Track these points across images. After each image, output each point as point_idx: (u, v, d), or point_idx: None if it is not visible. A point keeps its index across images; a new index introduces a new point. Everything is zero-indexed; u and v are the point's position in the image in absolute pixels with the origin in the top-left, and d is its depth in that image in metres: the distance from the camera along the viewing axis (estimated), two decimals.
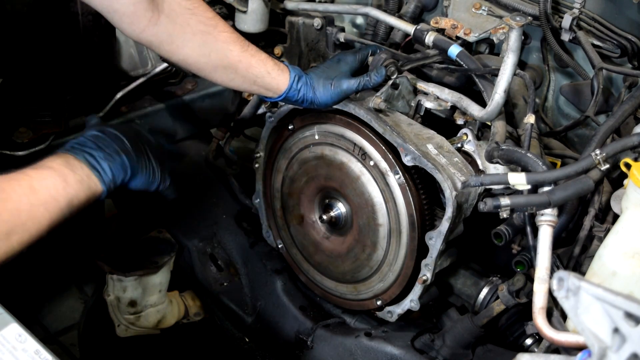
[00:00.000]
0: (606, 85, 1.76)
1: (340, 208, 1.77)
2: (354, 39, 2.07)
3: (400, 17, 1.96)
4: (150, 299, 2.06)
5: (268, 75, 1.66)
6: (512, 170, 1.55)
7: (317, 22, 2.09)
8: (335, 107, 1.69)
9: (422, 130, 1.69)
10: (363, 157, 1.67)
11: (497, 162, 1.56)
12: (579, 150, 1.83)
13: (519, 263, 1.57)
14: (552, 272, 1.34)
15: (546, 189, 1.39)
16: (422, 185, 1.63)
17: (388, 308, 1.74)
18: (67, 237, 2.23)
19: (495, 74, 1.62)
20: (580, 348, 1.14)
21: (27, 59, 1.70)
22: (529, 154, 1.46)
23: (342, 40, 2.09)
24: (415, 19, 2.00)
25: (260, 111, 2.07)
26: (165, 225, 2.15)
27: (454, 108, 1.74)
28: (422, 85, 1.77)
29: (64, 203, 1.29)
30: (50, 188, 1.28)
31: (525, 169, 1.46)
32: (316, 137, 1.76)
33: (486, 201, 1.38)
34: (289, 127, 1.82)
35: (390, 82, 1.71)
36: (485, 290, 1.70)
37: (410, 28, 1.83)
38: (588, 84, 1.76)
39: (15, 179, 1.25)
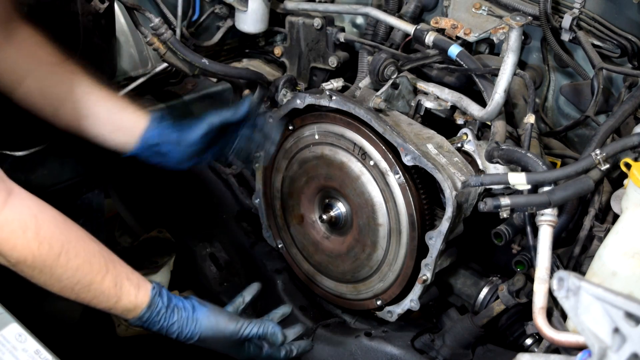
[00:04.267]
0: (606, 85, 1.76)
1: (340, 208, 1.77)
2: (354, 39, 2.08)
3: (400, 17, 1.96)
4: None
5: (126, 116, 1.59)
6: (512, 170, 1.55)
7: (317, 22, 2.10)
8: (335, 106, 1.69)
9: (422, 130, 1.69)
10: (363, 156, 1.67)
11: (497, 162, 1.56)
12: (579, 150, 1.83)
13: (519, 263, 1.57)
14: (552, 272, 1.34)
15: (546, 189, 1.39)
16: (422, 185, 1.63)
17: (388, 308, 1.74)
18: None
19: (495, 74, 1.62)
20: (580, 348, 1.14)
21: None
22: (529, 154, 1.46)
23: (342, 40, 2.09)
24: (415, 19, 2.00)
25: (260, 111, 2.07)
26: (166, 225, 2.15)
27: (454, 108, 1.74)
28: (422, 85, 1.77)
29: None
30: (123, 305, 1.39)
31: (525, 169, 1.46)
32: (316, 136, 1.76)
33: (486, 201, 1.38)
34: (289, 127, 1.82)
35: (390, 82, 1.71)
36: (485, 290, 1.70)
37: (410, 28, 1.83)
38: (588, 84, 1.76)
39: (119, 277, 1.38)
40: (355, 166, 1.69)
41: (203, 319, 1.48)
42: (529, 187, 1.41)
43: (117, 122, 1.60)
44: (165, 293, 1.46)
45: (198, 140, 1.64)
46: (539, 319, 1.29)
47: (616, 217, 1.39)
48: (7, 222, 1.24)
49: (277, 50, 2.25)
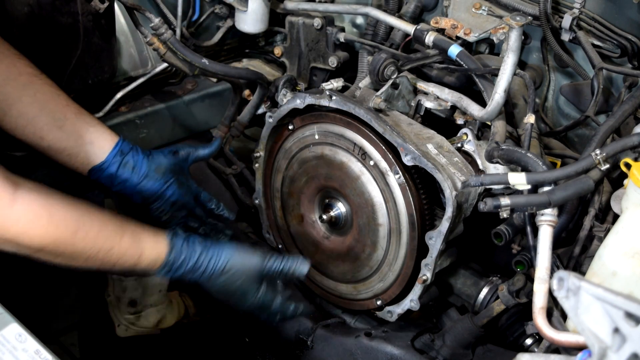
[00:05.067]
0: (606, 85, 1.76)
1: (340, 208, 1.77)
2: (354, 39, 2.08)
3: (400, 17, 1.96)
4: (150, 299, 2.06)
5: (97, 133, 1.63)
6: (512, 170, 1.55)
7: (317, 22, 2.10)
8: (335, 106, 1.69)
9: (422, 130, 1.69)
10: (363, 156, 1.67)
11: (497, 162, 1.56)
12: (579, 150, 1.83)
13: (519, 263, 1.57)
14: (552, 272, 1.34)
15: (546, 188, 1.39)
16: (422, 185, 1.63)
17: (388, 308, 1.74)
18: None
19: (495, 73, 1.62)
20: (580, 348, 1.14)
21: (28, 59, 1.70)
22: (529, 154, 1.46)
23: (342, 40, 2.09)
24: (415, 19, 2.00)
25: (260, 111, 2.07)
26: (165, 225, 2.15)
27: (454, 108, 1.74)
28: (422, 85, 1.77)
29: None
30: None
31: (525, 169, 1.46)
32: (316, 136, 1.76)
33: (486, 201, 1.38)
34: (289, 127, 1.82)
35: (390, 82, 1.71)
36: (485, 290, 1.70)
37: (410, 28, 1.83)
38: (588, 84, 1.76)
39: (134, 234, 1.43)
40: (355, 166, 1.69)
41: (227, 246, 1.52)
42: (529, 187, 1.41)
43: (92, 135, 1.64)
44: (181, 232, 1.51)
45: (165, 158, 1.72)
46: (539, 319, 1.29)
47: (616, 217, 1.39)
48: (20, 215, 1.27)
49: (277, 50, 2.25)
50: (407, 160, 1.57)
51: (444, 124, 1.76)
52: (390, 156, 1.62)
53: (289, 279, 1.60)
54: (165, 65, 2.13)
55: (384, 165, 1.64)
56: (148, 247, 1.45)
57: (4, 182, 1.26)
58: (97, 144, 1.65)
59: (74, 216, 1.35)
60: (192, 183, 1.82)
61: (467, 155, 1.66)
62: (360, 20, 2.23)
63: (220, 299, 1.57)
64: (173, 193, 1.75)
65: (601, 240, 1.39)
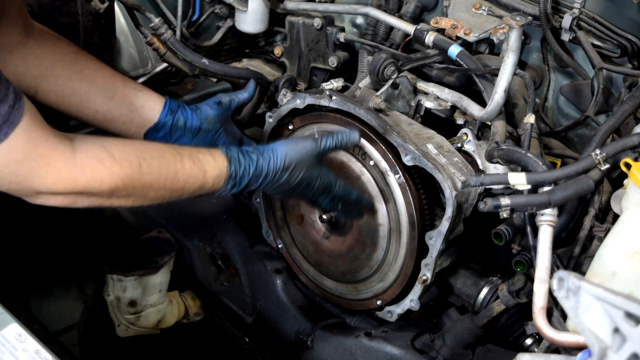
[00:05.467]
0: (606, 85, 1.76)
1: None
2: (354, 39, 2.08)
3: (400, 17, 1.96)
4: (150, 299, 2.06)
5: (145, 97, 1.68)
6: (512, 170, 1.55)
7: (317, 22, 2.10)
8: (335, 106, 1.69)
9: (422, 130, 1.69)
10: (363, 156, 1.67)
11: (497, 162, 1.56)
12: (579, 150, 1.83)
13: (519, 263, 1.57)
14: (552, 272, 1.33)
15: (546, 188, 1.39)
16: (422, 185, 1.63)
17: (388, 308, 1.74)
18: (68, 237, 2.23)
19: (495, 73, 1.62)
20: (581, 348, 1.14)
21: None
22: (529, 154, 1.46)
23: (342, 40, 2.09)
24: (415, 19, 2.00)
25: (260, 111, 2.07)
26: (165, 225, 2.15)
27: (454, 108, 1.74)
28: (422, 85, 1.77)
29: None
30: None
31: (525, 169, 1.46)
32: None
33: (486, 201, 1.38)
34: (289, 127, 1.82)
35: (390, 82, 1.71)
36: (485, 290, 1.70)
37: (410, 28, 1.83)
38: (588, 84, 1.76)
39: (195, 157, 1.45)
40: (355, 166, 1.69)
41: (278, 144, 1.55)
42: (529, 187, 1.41)
43: (142, 99, 1.68)
44: (232, 147, 1.54)
45: (212, 109, 1.75)
46: (539, 319, 1.29)
47: (616, 217, 1.39)
48: (85, 163, 1.29)
49: (277, 50, 2.25)
50: (407, 160, 1.57)
51: (444, 124, 1.76)
52: (390, 156, 1.62)
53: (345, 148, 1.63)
54: (165, 65, 2.13)
55: (384, 165, 1.64)
56: (209, 165, 1.47)
57: (60, 137, 1.28)
58: (147, 106, 1.68)
59: (132, 151, 1.36)
60: (236, 129, 1.85)
61: (467, 155, 1.66)
62: (360, 20, 2.23)
63: (286, 195, 1.61)
64: (224, 142, 1.78)
65: (601, 240, 1.39)
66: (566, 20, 1.71)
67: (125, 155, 1.34)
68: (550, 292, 1.29)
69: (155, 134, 1.70)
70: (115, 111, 1.65)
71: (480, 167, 1.64)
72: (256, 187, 1.55)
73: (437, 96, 1.75)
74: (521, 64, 1.90)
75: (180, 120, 1.71)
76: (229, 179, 1.49)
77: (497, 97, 1.59)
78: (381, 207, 1.66)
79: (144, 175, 1.36)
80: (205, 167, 1.46)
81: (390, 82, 1.72)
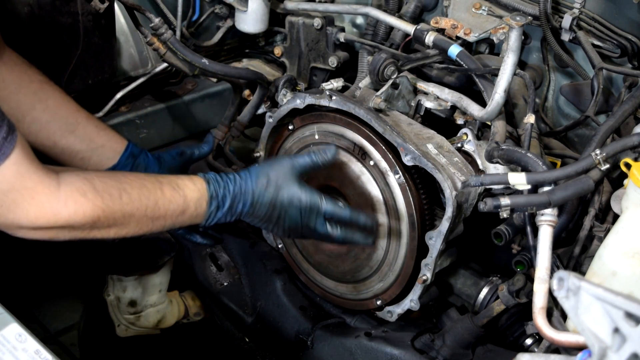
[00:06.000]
0: (606, 85, 1.76)
1: None
2: (354, 39, 2.08)
3: (400, 17, 1.96)
4: (150, 299, 2.06)
5: (107, 136, 1.66)
6: (512, 170, 1.55)
7: (317, 22, 2.10)
8: (335, 106, 1.69)
9: (422, 130, 1.69)
10: (363, 156, 1.67)
11: (497, 162, 1.56)
12: (579, 150, 1.83)
13: (519, 263, 1.57)
14: (552, 272, 1.33)
15: (546, 188, 1.39)
16: (422, 185, 1.63)
17: (388, 308, 1.74)
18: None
19: (495, 73, 1.62)
20: (581, 348, 1.14)
21: (28, 59, 1.70)
22: (529, 154, 1.46)
23: (342, 40, 2.09)
24: (415, 19, 2.00)
25: (260, 111, 2.07)
26: None
27: (454, 108, 1.74)
28: (422, 85, 1.77)
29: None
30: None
31: (525, 169, 1.46)
32: (316, 136, 1.76)
33: (486, 201, 1.38)
34: (289, 127, 1.82)
35: (390, 82, 1.71)
36: (485, 290, 1.70)
37: (410, 28, 1.83)
38: (588, 84, 1.76)
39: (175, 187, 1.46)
40: (355, 166, 1.69)
41: (255, 168, 1.55)
42: (529, 187, 1.41)
43: (103, 139, 1.67)
44: (210, 174, 1.54)
45: (174, 160, 1.76)
46: (539, 319, 1.29)
47: (616, 217, 1.39)
48: (68, 196, 1.29)
49: (277, 50, 2.26)
50: (407, 160, 1.57)
51: (444, 124, 1.76)
52: (390, 156, 1.62)
53: (320, 167, 1.60)
54: (165, 65, 2.13)
55: (384, 165, 1.64)
56: (188, 189, 1.47)
57: (47, 171, 1.29)
58: (108, 146, 1.67)
59: (114, 182, 1.37)
60: None
61: (467, 155, 1.66)
62: (360, 20, 2.23)
63: (279, 226, 1.57)
64: None
65: (601, 240, 1.39)
66: (566, 20, 1.71)
67: (106, 186, 1.35)
68: (550, 292, 1.29)
69: (117, 163, 1.67)
70: (74, 146, 1.63)
71: (480, 167, 1.64)
72: (242, 211, 1.54)
73: (437, 96, 1.75)
74: (521, 64, 1.90)
75: (140, 167, 1.70)
76: (211, 200, 1.49)
77: (497, 97, 1.59)
78: (381, 207, 1.66)
79: (124, 206, 1.36)
80: (185, 192, 1.46)
81: (390, 82, 1.72)
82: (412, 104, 1.77)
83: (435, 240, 1.57)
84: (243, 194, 1.52)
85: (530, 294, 1.43)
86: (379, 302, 1.76)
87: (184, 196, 1.46)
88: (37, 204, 1.26)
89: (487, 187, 1.57)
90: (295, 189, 1.53)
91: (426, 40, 1.76)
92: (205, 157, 1.94)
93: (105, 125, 1.72)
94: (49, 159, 1.62)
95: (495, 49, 1.92)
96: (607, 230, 1.39)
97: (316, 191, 1.56)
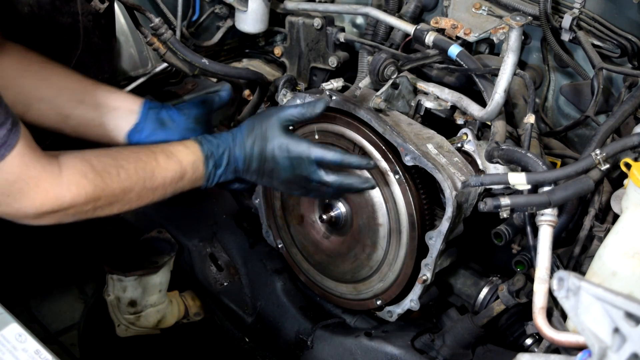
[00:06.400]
0: (606, 85, 1.76)
1: (340, 208, 1.76)
2: (354, 39, 2.08)
3: (400, 17, 1.96)
4: (150, 299, 2.06)
5: (120, 98, 1.64)
6: (512, 170, 1.55)
7: (317, 22, 2.10)
8: (335, 106, 1.69)
9: (422, 130, 1.69)
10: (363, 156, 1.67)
11: (497, 162, 1.56)
12: (579, 150, 1.83)
13: (519, 263, 1.57)
14: (552, 272, 1.33)
15: (546, 188, 1.39)
16: (422, 185, 1.63)
17: (388, 308, 1.74)
18: (68, 237, 2.23)
19: (495, 73, 1.62)
20: (581, 348, 1.14)
21: None
22: (529, 154, 1.46)
23: (342, 40, 2.09)
24: (415, 19, 2.00)
25: (260, 111, 2.07)
26: (165, 225, 2.15)
27: (454, 108, 1.74)
28: (422, 85, 1.77)
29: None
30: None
31: (525, 169, 1.46)
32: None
33: (486, 201, 1.38)
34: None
35: (390, 82, 1.71)
36: (485, 290, 1.70)
37: (410, 28, 1.83)
38: (588, 84, 1.76)
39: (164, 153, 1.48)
40: None
41: (244, 123, 1.57)
42: (529, 187, 1.41)
43: (116, 101, 1.65)
44: (202, 136, 1.55)
45: (197, 109, 1.72)
46: (539, 319, 1.29)
47: (616, 217, 1.39)
48: (70, 180, 1.32)
49: (277, 50, 2.25)
50: (407, 160, 1.57)
51: (444, 124, 1.76)
52: (390, 156, 1.62)
53: (308, 119, 1.59)
54: (165, 65, 2.13)
55: (384, 165, 1.64)
56: (181, 153, 1.49)
57: (49, 157, 1.31)
58: (123, 108, 1.65)
59: (110, 160, 1.39)
60: (212, 130, 1.82)
61: (467, 155, 1.66)
62: (360, 20, 2.23)
63: (276, 178, 1.57)
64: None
65: (601, 240, 1.39)
66: (566, 20, 1.71)
67: (104, 165, 1.37)
68: (550, 292, 1.29)
69: (138, 135, 1.65)
70: (87, 114, 1.61)
71: (480, 167, 1.64)
72: (238, 167, 1.54)
73: (437, 96, 1.75)
74: (521, 64, 1.90)
75: (165, 120, 1.67)
76: (207, 160, 1.51)
77: (497, 97, 1.59)
78: (381, 207, 1.66)
79: (123, 182, 1.39)
80: (179, 157, 1.48)
81: (390, 82, 1.72)
82: (412, 104, 1.77)
83: (435, 240, 1.57)
84: (235, 149, 1.54)
85: (530, 294, 1.43)
86: (379, 302, 1.76)
87: (180, 161, 1.48)
88: (42, 191, 1.28)
89: (487, 187, 1.57)
90: (282, 138, 1.53)
91: (426, 40, 1.76)
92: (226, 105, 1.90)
93: (116, 89, 1.70)
94: (67, 137, 1.63)
95: (495, 49, 1.92)
96: (607, 230, 1.39)
97: (304, 139, 1.56)
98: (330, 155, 1.54)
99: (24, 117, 1.55)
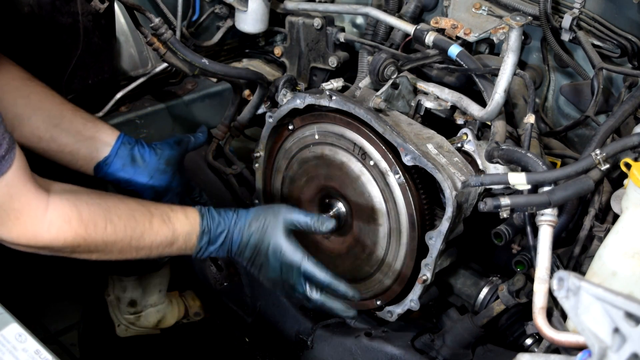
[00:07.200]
0: (606, 85, 1.76)
1: (340, 208, 1.76)
2: (354, 39, 2.08)
3: (400, 17, 1.96)
4: (150, 299, 2.06)
5: (96, 128, 1.63)
6: (512, 170, 1.55)
7: (317, 22, 2.10)
8: (335, 106, 1.69)
9: (422, 130, 1.69)
10: (363, 156, 1.67)
11: (497, 162, 1.56)
12: (579, 150, 1.83)
13: (519, 263, 1.57)
14: (552, 272, 1.34)
15: (546, 188, 1.39)
16: (422, 185, 1.63)
17: (388, 308, 1.74)
18: None
19: (495, 73, 1.62)
20: (581, 348, 1.14)
21: (28, 59, 1.70)
22: (529, 154, 1.46)
23: (342, 40, 2.09)
24: (415, 19, 2.00)
25: (260, 111, 2.07)
26: None
27: (454, 108, 1.74)
28: (422, 85, 1.77)
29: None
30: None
31: (525, 169, 1.46)
32: (316, 136, 1.76)
33: (486, 201, 1.38)
34: (289, 127, 1.82)
35: (390, 82, 1.71)
36: (485, 290, 1.70)
37: (410, 28, 1.83)
38: (588, 84, 1.76)
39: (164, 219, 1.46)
40: (355, 166, 1.69)
41: (253, 209, 1.56)
42: (529, 187, 1.41)
43: (91, 130, 1.64)
44: (206, 208, 1.54)
45: (172, 150, 1.73)
46: (539, 319, 1.29)
47: (616, 217, 1.39)
48: (53, 221, 1.30)
49: (277, 50, 2.26)
50: (407, 160, 1.57)
51: (444, 124, 1.76)
52: (390, 156, 1.62)
53: (312, 232, 1.59)
54: (165, 65, 2.13)
55: (384, 165, 1.64)
56: (179, 222, 1.47)
57: (38, 192, 1.29)
58: (97, 138, 1.64)
59: (101, 211, 1.37)
60: (184, 171, 1.84)
61: (467, 155, 1.66)
62: (360, 20, 2.23)
63: (271, 281, 1.57)
64: (178, 184, 1.76)
65: (601, 240, 1.39)
66: (566, 20, 1.71)
67: (93, 215, 1.35)
68: (550, 292, 1.29)
69: (105, 168, 1.64)
70: (60, 139, 1.59)
71: (480, 167, 1.64)
72: (232, 249, 1.54)
73: (437, 96, 1.75)
74: (521, 64, 1.90)
75: (136, 158, 1.67)
76: (202, 234, 1.49)
77: (497, 97, 1.59)
78: (381, 207, 1.66)
79: (108, 236, 1.37)
80: (175, 226, 1.46)
81: (390, 82, 1.72)
82: (412, 104, 1.77)
83: (435, 240, 1.57)
84: (235, 232, 1.52)
85: (530, 294, 1.43)
86: (379, 302, 1.76)
87: (174, 230, 1.46)
88: (21, 224, 1.28)
89: (487, 187, 1.57)
90: (281, 239, 1.53)
91: (426, 40, 1.76)
92: (202, 149, 1.93)
93: (95, 118, 1.69)
94: (38, 156, 1.60)
95: (495, 49, 1.92)
96: (607, 230, 1.39)
97: (302, 249, 1.55)
98: (320, 275, 1.54)
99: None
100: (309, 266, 1.54)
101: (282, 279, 1.55)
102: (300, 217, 1.54)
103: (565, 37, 1.75)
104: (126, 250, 1.42)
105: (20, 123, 1.56)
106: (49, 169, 1.59)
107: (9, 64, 1.57)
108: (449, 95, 1.73)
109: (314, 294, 1.56)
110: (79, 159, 1.63)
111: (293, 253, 1.53)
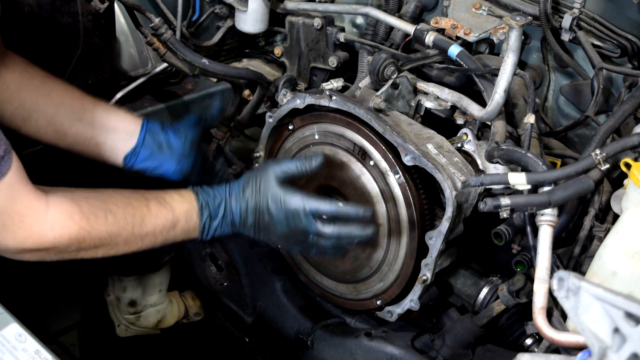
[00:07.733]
0: (606, 85, 1.76)
1: None
2: (354, 39, 2.08)
3: (400, 17, 1.96)
4: (150, 299, 2.06)
5: (119, 118, 1.63)
6: (512, 170, 1.55)
7: (317, 22, 2.10)
8: (335, 106, 1.69)
9: (422, 130, 1.69)
10: (363, 156, 1.67)
11: (497, 162, 1.56)
12: (579, 150, 1.83)
13: (519, 263, 1.57)
14: (552, 272, 1.34)
15: (546, 188, 1.39)
16: (422, 185, 1.63)
17: (388, 308, 1.74)
18: None
19: (495, 73, 1.62)
20: (581, 348, 1.14)
21: (28, 59, 1.70)
22: (529, 154, 1.46)
23: (342, 40, 2.09)
24: (415, 19, 2.00)
25: (260, 111, 2.07)
26: None
27: (454, 108, 1.74)
28: (422, 85, 1.77)
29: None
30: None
31: (525, 169, 1.46)
32: (316, 136, 1.76)
33: (486, 201, 1.38)
34: (289, 127, 1.82)
35: (390, 82, 1.71)
36: (485, 290, 1.70)
37: (410, 28, 1.83)
38: (588, 84, 1.76)
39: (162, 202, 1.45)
40: (355, 166, 1.69)
41: (242, 177, 1.54)
42: (529, 187, 1.41)
43: (114, 121, 1.63)
44: (198, 186, 1.53)
45: (193, 130, 1.71)
46: (539, 319, 1.29)
47: (616, 217, 1.39)
48: (55, 219, 1.30)
49: (277, 50, 2.25)
50: (407, 160, 1.57)
51: (444, 124, 1.76)
52: (390, 156, 1.62)
53: (305, 175, 1.57)
54: (165, 65, 2.13)
55: (384, 165, 1.64)
56: (175, 202, 1.46)
57: (37, 194, 1.29)
58: (121, 128, 1.64)
59: (99, 203, 1.37)
60: (205, 147, 1.83)
61: (467, 155, 1.67)
62: (360, 20, 2.23)
63: (284, 237, 1.54)
64: (201, 161, 1.76)
65: (601, 240, 1.39)
66: (566, 20, 1.71)
67: (92, 208, 1.35)
68: (550, 292, 1.29)
69: (134, 159, 1.65)
70: (85, 133, 1.60)
71: (480, 167, 1.64)
72: (235, 220, 1.52)
73: (437, 96, 1.75)
74: (521, 64, 1.90)
75: (162, 145, 1.67)
76: (201, 209, 1.48)
77: (497, 97, 1.59)
78: (381, 207, 1.66)
79: (110, 226, 1.36)
80: (172, 205, 1.46)
81: (390, 82, 1.72)
82: (412, 104, 1.77)
83: (435, 240, 1.57)
84: (232, 201, 1.51)
85: (530, 294, 1.43)
86: (379, 302, 1.76)
87: (172, 210, 1.45)
88: (25, 227, 1.27)
89: (487, 187, 1.57)
90: (277, 190, 1.51)
91: (426, 40, 1.76)
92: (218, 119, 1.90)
93: (116, 108, 1.69)
94: (66, 153, 1.61)
95: (495, 49, 1.92)
96: (607, 230, 1.39)
97: (299, 191, 1.53)
98: (325, 206, 1.52)
99: (22, 130, 1.55)
100: (313, 202, 1.51)
101: (292, 228, 1.52)
102: (288, 165, 1.54)
103: (565, 37, 1.75)
104: (131, 241, 1.41)
105: (45, 121, 1.57)
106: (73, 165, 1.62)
107: (25, 64, 1.58)
108: (449, 95, 1.73)
109: (327, 228, 1.53)
110: (107, 151, 1.64)
111: (292, 197, 1.51)
